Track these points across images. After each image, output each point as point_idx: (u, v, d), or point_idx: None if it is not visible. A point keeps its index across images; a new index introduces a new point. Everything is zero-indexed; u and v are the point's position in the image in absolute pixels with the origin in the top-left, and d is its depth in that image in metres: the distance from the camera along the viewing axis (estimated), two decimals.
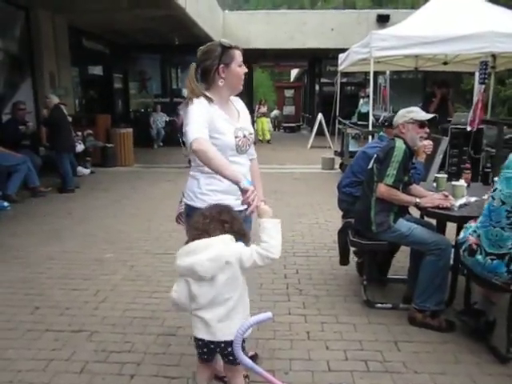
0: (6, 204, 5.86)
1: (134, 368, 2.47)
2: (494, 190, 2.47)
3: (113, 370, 2.45)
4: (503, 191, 2.40)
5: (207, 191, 2.14)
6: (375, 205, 3.02)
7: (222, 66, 2.12)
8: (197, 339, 1.86)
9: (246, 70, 2.21)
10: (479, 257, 2.47)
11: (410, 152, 3.02)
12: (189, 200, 2.20)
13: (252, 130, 2.31)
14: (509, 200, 2.37)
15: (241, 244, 1.78)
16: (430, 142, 3.31)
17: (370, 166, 3.13)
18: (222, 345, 1.82)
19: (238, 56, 2.15)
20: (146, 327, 2.91)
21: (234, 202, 2.17)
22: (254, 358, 2.40)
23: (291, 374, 2.44)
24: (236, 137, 2.15)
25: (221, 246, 1.72)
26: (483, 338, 2.67)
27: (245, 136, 2.20)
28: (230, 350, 1.78)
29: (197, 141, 1.92)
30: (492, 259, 2.41)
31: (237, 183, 1.84)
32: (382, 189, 2.93)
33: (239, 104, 2.33)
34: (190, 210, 2.17)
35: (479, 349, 2.64)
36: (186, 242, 1.79)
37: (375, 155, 3.10)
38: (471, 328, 2.71)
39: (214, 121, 2.09)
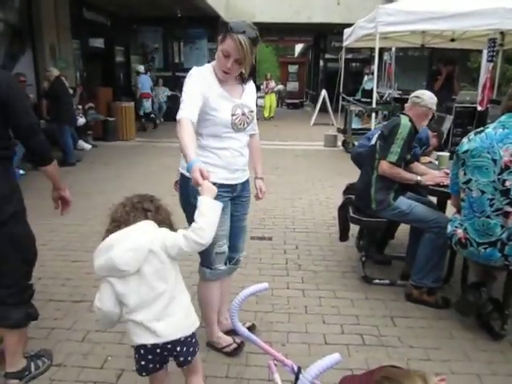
0: (21, 171, 5.87)
1: None
2: (469, 181, 2.44)
3: (113, 339, 2.50)
4: (479, 181, 2.38)
5: None
6: (375, 182, 3.01)
7: (219, 38, 2.03)
8: (139, 347, 1.58)
9: (228, 66, 2.00)
10: (471, 248, 2.46)
11: (415, 130, 3.00)
12: (182, 169, 2.19)
13: (254, 108, 2.23)
14: (488, 188, 2.35)
15: (164, 229, 1.58)
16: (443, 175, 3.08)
17: (372, 143, 3.11)
18: (169, 346, 1.58)
19: (227, 45, 1.96)
20: None
21: (227, 175, 2.17)
22: (250, 329, 2.44)
23: (288, 346, 2.48)
24: (233, 114, 2.10)
25: (140, 234, 1.52)
26: (482, 314, 2.64)
27: (244, 114, 2.14)
28: (179, 349, 1.59)
29: (180, 121, 1.90)
30: (485, 248, 2.40)
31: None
32: (384, 166, 2.92)
33: (248, 82, 2.23)
34: (182, 179, 2.19)
35: (474, 325, 2.67)
36: (103, 239, 1.57)
37: (379, 131, 3.07)
38: (471, 303, 2.61)
39: (210, 97, 2.04)
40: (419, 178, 2.99)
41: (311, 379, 1.05)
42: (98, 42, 12.78)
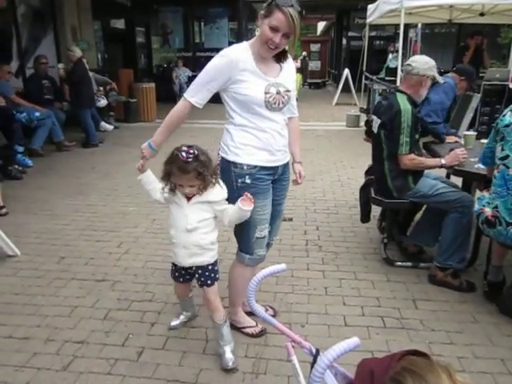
0: (29, 162, 5.93)
1: (154, 316, 2.56)
2: (506, 158, 2.33)
3: (134, 318, 2.54)
4: None
5: (240, 145, 2.08)
6: (389, 172, 2.98)
7: (261, 13, 1.92)
8: None
9: (277, 41, 1.90)
10: (500, 228, 2.37)
11: (415, 105, 2.92)
12: (223, 153, 2.15)
13: (290, 87, 2.12)
14: None
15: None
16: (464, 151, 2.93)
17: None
18: None
19: (276, 19, 1.85)
20: (167, 278, 2.94)
21: (268, 157, 2.12)
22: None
23: (308, 327, 2.48)
24: (266, 92, 2.01)
25: None
26: None
27: (278, 92, 2.05)
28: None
29: (181, 100, 2.18)
30: None
31: None
32: (405, 160, 2.85)
33: (288, 60, 2.12)
34: (224, 163, 2.14)
35: (498, 310, 2.60)
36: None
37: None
38: None
39: (241, 74, 1.98)
40: (443, 161, 2.89)
41: (329, 363, 1.03)
42: (119, 23, 12.75)
